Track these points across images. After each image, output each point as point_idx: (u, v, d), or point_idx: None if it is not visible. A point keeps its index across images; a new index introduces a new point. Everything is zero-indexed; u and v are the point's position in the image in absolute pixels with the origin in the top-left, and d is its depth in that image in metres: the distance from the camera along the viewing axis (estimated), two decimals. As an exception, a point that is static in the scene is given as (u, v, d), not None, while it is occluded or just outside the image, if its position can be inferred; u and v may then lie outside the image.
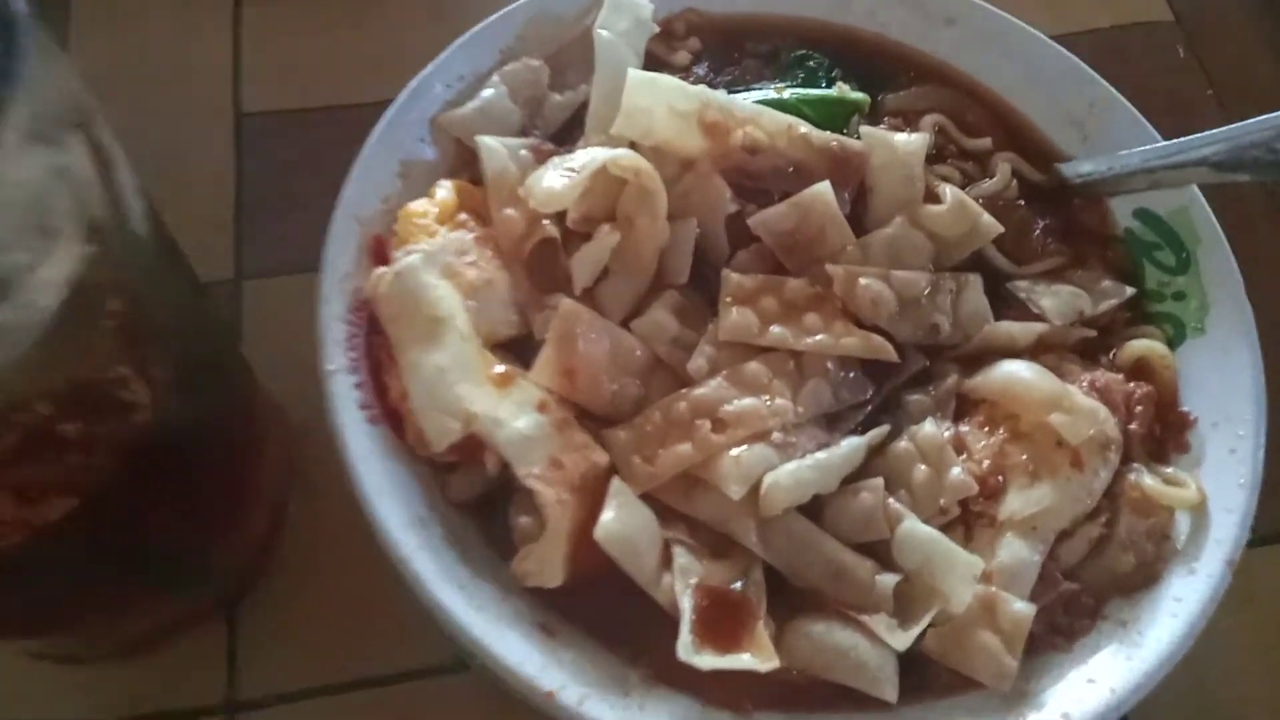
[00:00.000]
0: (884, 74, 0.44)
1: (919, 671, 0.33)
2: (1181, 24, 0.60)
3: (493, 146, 0.38)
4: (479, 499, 0.35)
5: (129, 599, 0.38)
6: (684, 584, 0.32)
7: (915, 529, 0.33)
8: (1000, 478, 0.35)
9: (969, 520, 0.34)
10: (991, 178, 0.42)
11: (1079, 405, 0.35)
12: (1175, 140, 0.39)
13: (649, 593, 0.32)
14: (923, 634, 0.32)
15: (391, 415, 0.34)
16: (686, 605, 0.31)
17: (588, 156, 0.37)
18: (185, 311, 0.33)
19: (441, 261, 0.36)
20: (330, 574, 0.43)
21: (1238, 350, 0.37)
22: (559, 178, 0.37)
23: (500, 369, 0.34)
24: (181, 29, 0.56)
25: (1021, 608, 0.32)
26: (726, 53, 0.45)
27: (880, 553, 0.34)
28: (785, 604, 0.33)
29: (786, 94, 0.42)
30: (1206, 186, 0.40)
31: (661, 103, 0.38)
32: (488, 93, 0.41)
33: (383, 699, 0.41)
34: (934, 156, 0.42)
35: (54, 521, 0.29)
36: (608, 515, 0.32)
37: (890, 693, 0.32)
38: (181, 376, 0.31)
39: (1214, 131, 0.38)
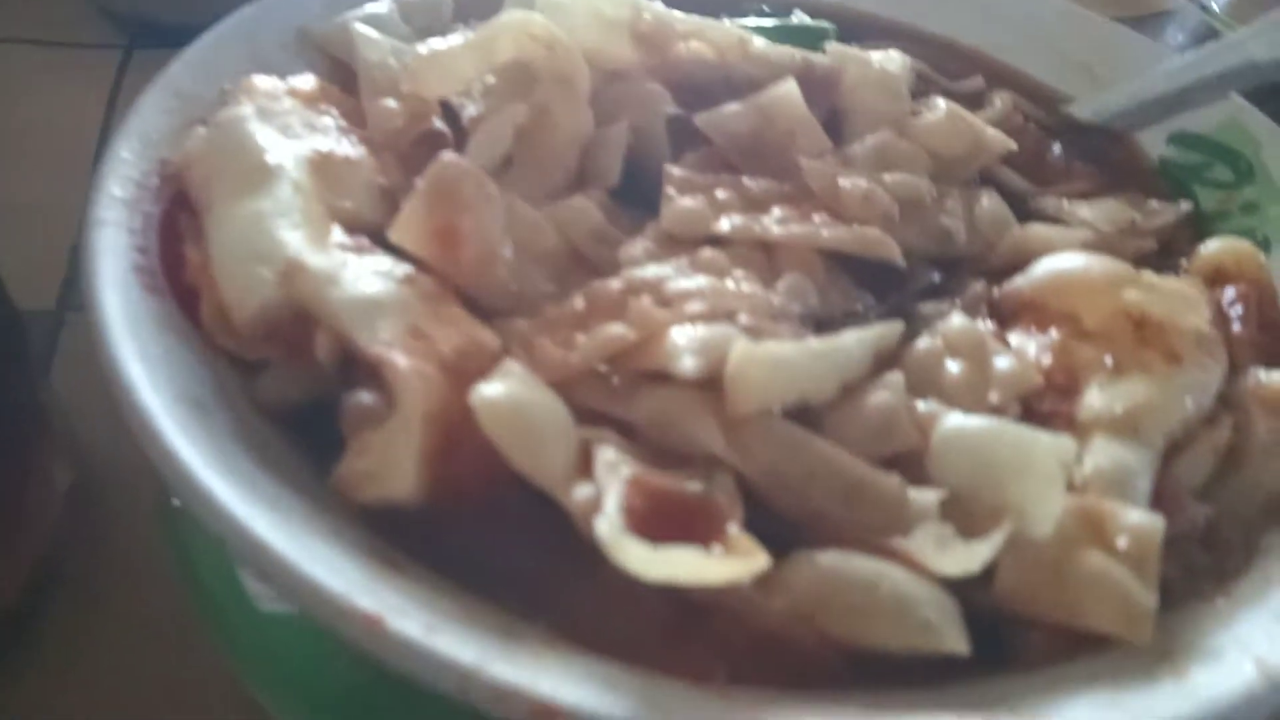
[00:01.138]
0: (852, 35, 0.38)
1: (996, 643, 0.20)
2: None
3: (373, 36, 0.31)
4: (301, 408, 0.23)
5: None
6: (612, 479, 0.20)
7: (960, 425, 0.22)
8: (1070, 375, 0.24)
9: (1036, 422, 0.23)
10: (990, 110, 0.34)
11: (1159, 282, 0.25)
12: (1202, 49, 0.33)
13: (555, 497, 0.20)
14: (990, 575, 0.20)
15: (185, 296, 0.24)
16: (613, 499, 0.19)
17: (490, 27, 0.29)
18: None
19: (282, 122, 0.26)
20: (114, 658, 0.30)
21: (1350, 234, 0.28)
22: (453, 45, 0.29)
23: (345, 239, 0.24)
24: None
25: (1144, 517, 0.21)
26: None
27: (909, 471, 0.22)
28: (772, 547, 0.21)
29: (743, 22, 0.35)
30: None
31: (587, 4, 0.31)
32: (374, 7, 0.33)
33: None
34: (918, 93, 0.34)
35: None
36: (492, 385, 0.21)
37: (956, 641, 0.19)
38: None
39: (1242, 32, 0.32)
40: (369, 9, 0.33)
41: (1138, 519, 0.20)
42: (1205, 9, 0.60)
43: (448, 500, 0.21)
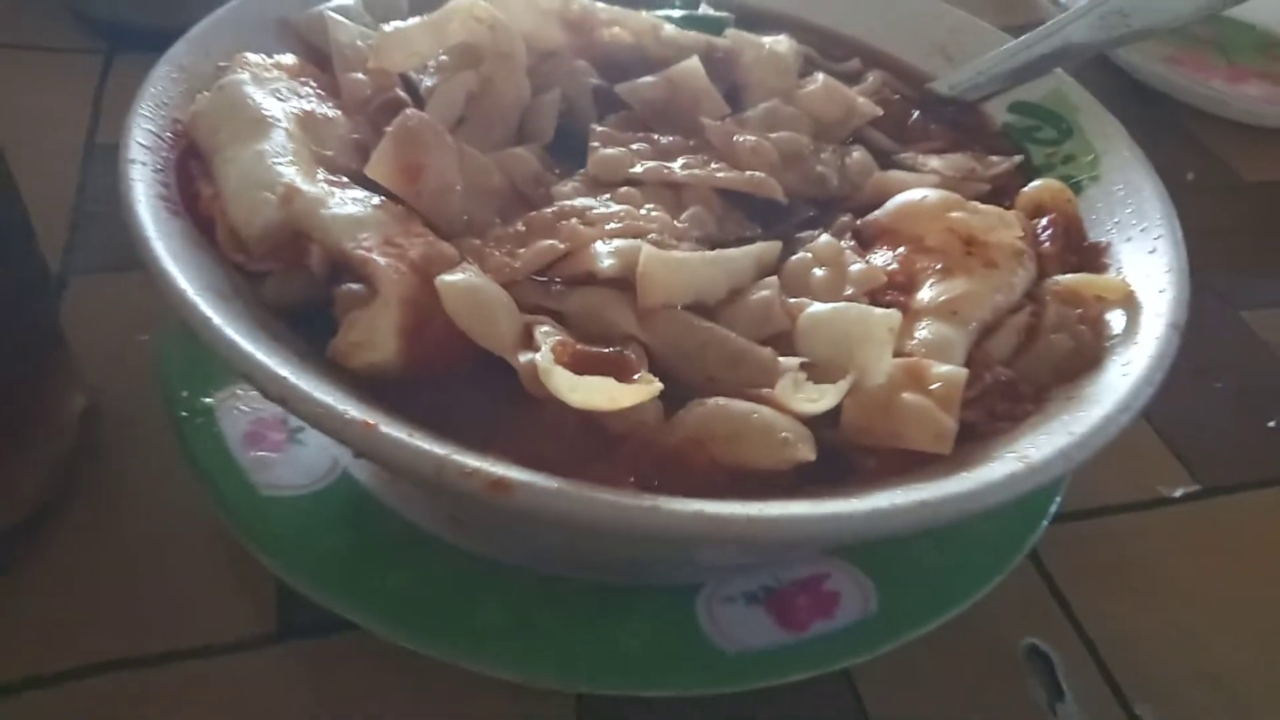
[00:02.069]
0: (746, 28, 0.45)
1: (843, 465, 0.27)
2: None
3: (343, 21, 0.36)
4: (299, 306, 0.29)
5: None
6: (546, 342, 0.26)
7: (819, 309, 0.28)
8: (910, 278, 0.31)
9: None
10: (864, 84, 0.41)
11: (983, 208, 0.32)
12: (1033, 32, 0.40)
13: (504, 357, 0.26)
14: (837, 413, 0.27)
15: (202, 223, 0.29)
16: (546, 348, 0.25)
17: (442, 10, 0.35)
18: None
19: (272, 88, 0.32)
20: (125, 548, 0.35)
21: (1135, 174, 0.35)
22: (411, 27, 0.35)
23: (330, 176, 0.30)
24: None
25: (950, 367, 0.27)
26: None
27: (780, 346, 0.29)
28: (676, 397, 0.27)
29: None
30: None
31: (522, -5, 0.38)
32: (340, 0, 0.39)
33: (185, 675, 0.32)
34: (803, 75, 0.41)
35: None
36: (454, 275, 0.27)
37: (806, 453, 0.25)
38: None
39: (1062, 16, 0.39)
40: (338, 2, 0.39)
41: (946, 370, 0.27)
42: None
43: (420, 366, 0.27)
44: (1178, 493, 0.43)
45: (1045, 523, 0.36)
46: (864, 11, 0.45)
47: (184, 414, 0.35)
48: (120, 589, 0.34)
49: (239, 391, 0.36)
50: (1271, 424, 0.47)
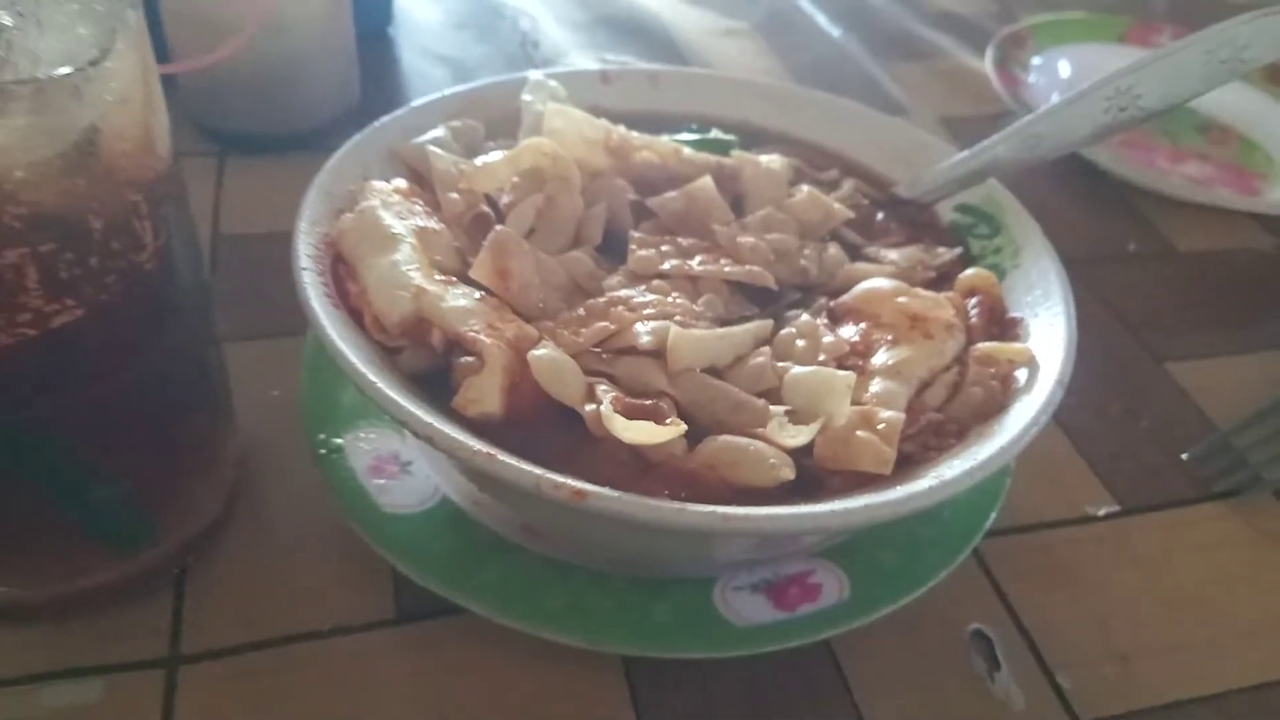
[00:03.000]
0: (751, 142, 0.56)
1: (815, 483, 0.38)
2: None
3: (442, 154, 0.48)
4: (426, 373, 0.40)
5: (73, 544, 0.41)
6: (606, 395, 0.37)
7: (799, 370, 0.39)
8: (868, 347, 0.42)
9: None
10: (840, 191, 0.52)
11: (923, 294, 0.43)
12: (970, 150, 0.51)
13: (575, 408, 0.37)
14: (811, 448, 0.38)
15: (352, 312, 0.41)
16: (607, 401, 0.36)
17: (517, 147, 0.47)
18: (183, 220, 0.40)
19: (396, 208, 0.44)
20: (277, 551, 0.46)
21: (1044, 264, 0.46)
22: (494, 160, 0.46)
23: (444, 277, 0.41)
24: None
25: (893, 413, 0.38)
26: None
27: (771, 399, 0.39)
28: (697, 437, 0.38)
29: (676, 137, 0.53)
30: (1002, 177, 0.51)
31: (574, 129, 0.49)
32: (435, 133, 0.51)
33: (327, 649, 0.43)
34: (793, 183, 0.52)
35: (56, 328, 0.34)
36: (539, 350, 0.38)
37: (788, 473, 0.36)
38: (172, 255, 0.38)
39: (994, 137, 0.50)
40: (431, 135, 0.51)
41: (889, 415, 0.38)
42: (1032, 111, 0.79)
43: (516, 414, 0.38)
44: (1101, 512, 0.53)
45: (981, 533, 0.46)
46: (842, 129, 0.56)
47: (323, 451, 0.46)
48: (272, 584, 0.45)
49: (361, 434, 0.47)
50: (1184, 456, 0.57)
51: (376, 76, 0.80)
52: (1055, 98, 0.84)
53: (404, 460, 0.47)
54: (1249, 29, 0.44)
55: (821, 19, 0.99)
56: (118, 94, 0.34)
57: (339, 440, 0.47)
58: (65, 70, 0.31)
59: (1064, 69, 0.89)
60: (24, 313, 0.33)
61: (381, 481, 0.45)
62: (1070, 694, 0.45)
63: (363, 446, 0.47)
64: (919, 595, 0.44)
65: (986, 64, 0.85)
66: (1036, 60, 0.88)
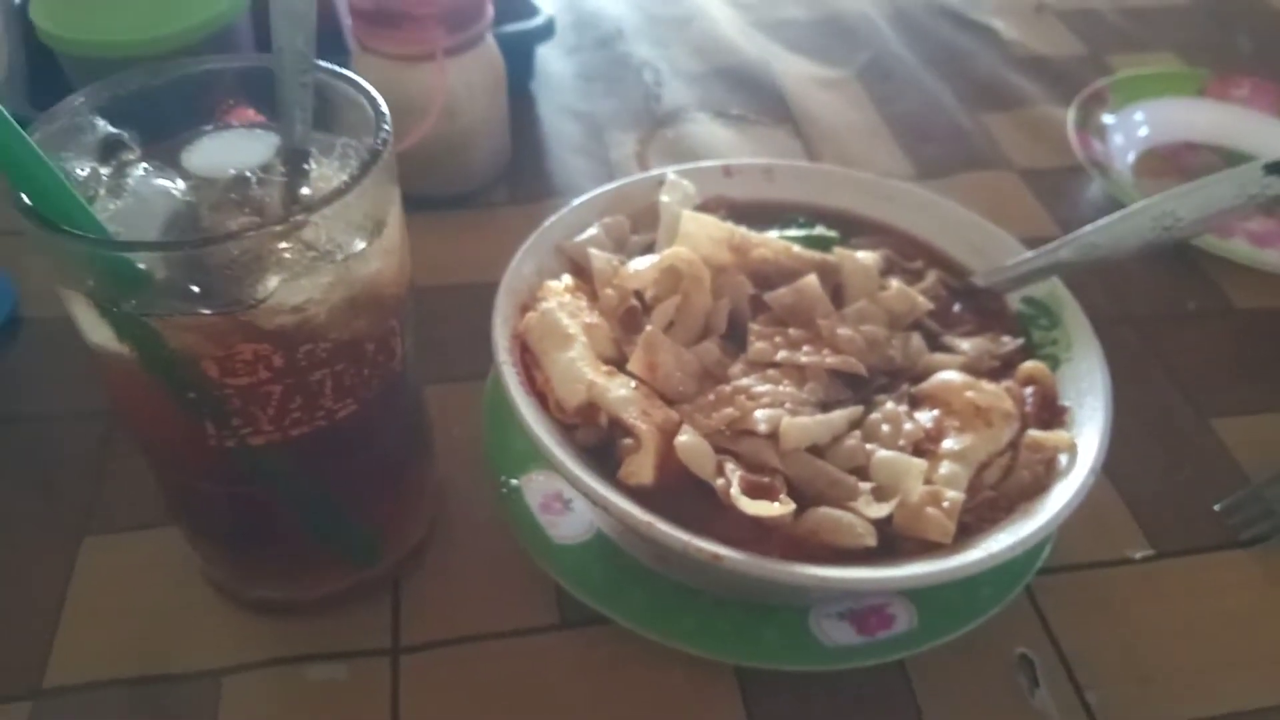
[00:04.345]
0: (851, 229, 0.67)
1: (892, 546, 0.49)
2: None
3: (599, 254, 0.60)
4: (595, 446, 0.52)
5: (327, 561, 0.55)
6: (733, 477, 0.49)
7: (884, 453, 0.51)
8: (939, 432, 0.53)
9: (920, 455, 0.51)
10: (924, 283, 0.63)
11: (986, 387, 0.54)
12: (1038, 251, 0.61)
13: (710, 483, 0.49)
14: (890, 518, 0.49)
15: (539, 395, 0.53)
16: (736, 484, 0.48)
17: (659, 255, 0.58)
18: (409, 328, 0.53)
19: (569, 309, 0.56)
20: (468, 568, 0.60)
21: (1092, 360, 0.56)
22: (642, 265, 0.58)
23: (607, 368, 0.54)
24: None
25: (955, 493, 0.49)
26: (745, 219, 0.68)
27: (860, 475, 0.51)
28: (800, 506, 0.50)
29: (786, 232, 0.64)
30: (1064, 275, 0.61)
31: (703, 231, 0.61)
32: (591, 232, 0.63)
33: (508, 646, 0.56)
34: (885, 272, 0.63)
35: (339, 419, 0.47)
36: (683, 436, 0.50)
37: (871, 540, 0.47)
38: (409, 363, 0.51)
39: (1059, 241, 0.60)
40: (589, 234, 0.63)
41: (953, 494, 0.49)
42: (1102, 172, 0.88)
43: (664, 485, 0.50)
44: (1138, 555, 0.63)
45: (1030, 577, 0.57)
46: (927, 220, 0.66)
47: (504, 490, 0.59)
48: (465, 593, 0.58)
49: (532, 476, 0.60)
50: (1216, 507, 0.66)
51: (523, 132, 0.92)
52: (1130, 158, 0.93)
53: (566, 498, 0.60)
54: (1273, 177, 0.54)
55: (918, 67, 1.08)
56: (387, 250, 0.46)
57: (515, 481, 0.60)
58: (360, 245, 0.44)
59: (1139, 123, 0.97)
60: (320, 410, 0.46)
61: (550, 517, 0.58)
62: (1096, 709, 0.55)
63: (534, 486, 0.60)
64: (976, 625, 0.55)
65: (1068, 124, 0.92)
66: (1109, 119, 0.95)
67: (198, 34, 0.83)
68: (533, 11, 0.93)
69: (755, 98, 1.02)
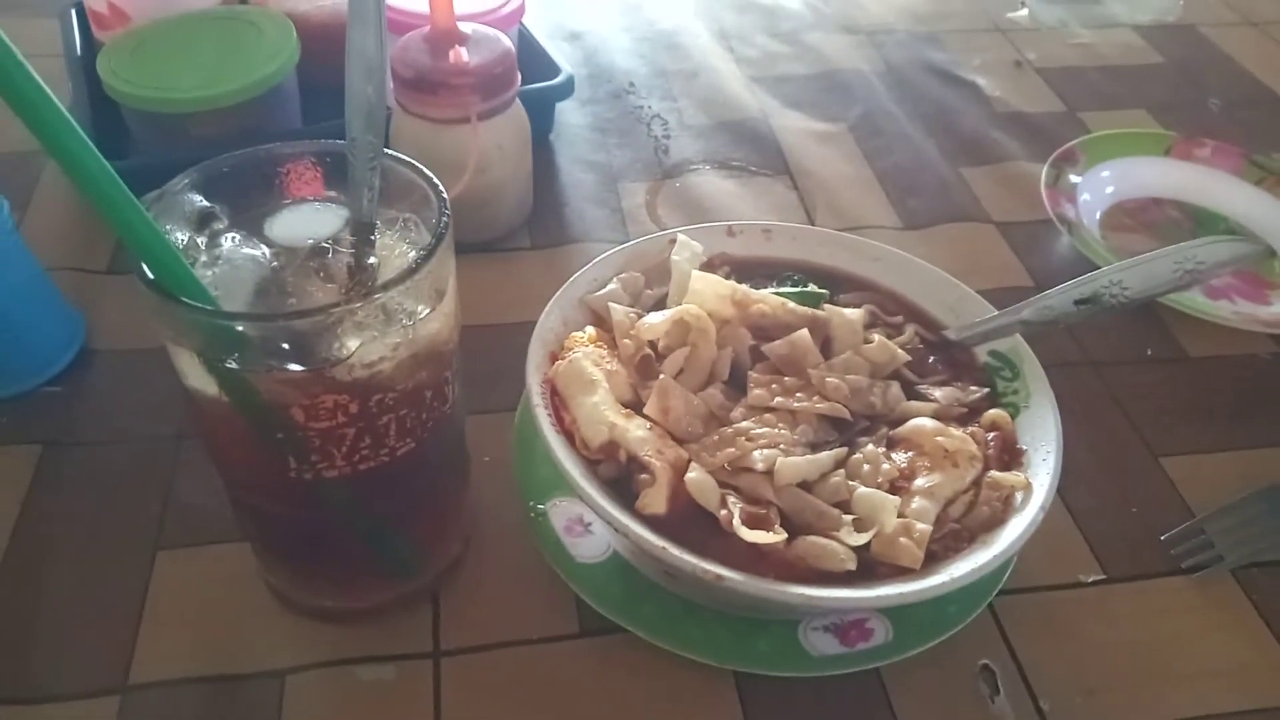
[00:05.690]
0: (839, 285, 0.75)
1: (870, 570, 0.57)
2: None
3: (618, 308, 0.68)
4: (615, 479, 0.60)
5: (377, 574, 0.63)
6: (734, 509, 0.57)
7: (864, 490, 0.59)
8: (913, 472, 0.61)
9: (895, 492, 0.60)
10: (903, 336, 0.71)
11: (954, 433, 0.62)
12: (1002, 310, 0.69)
13: (715, 514, 0.57)
14: (868, 545, 0.57)
15: (567, 434, 0.61)
16: (737, 516, 0.56)
17: (671, 310, 0.67)
18: (458, 376, 0.61)
19: (592, 357, 0.64)
20: (499, 581, 0.68)
21: (1045, 409, 0.64)
22: (655, 319, 0.66)
23: (626, 411, 0.62)
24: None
25: (924, 526, 0.57)
26: (746, 274, 0.76)
27: (844, 508, 0.59)
28: (791, 534, 0.58)
29: (781, 289, 0.73)
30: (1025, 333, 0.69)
31: (709, 288, 0.69)
32: (611, 287, 0.71)
33: (534, 651, 0.64)
34: (869, 326, 0.71)
35: (399, 456, 0.55)
36: (692, 473, 0.58)
37: (852, 565, 0.56)
38: (458, 405, 0.59)
39: (1023, 303, 0.68)
40: (609, 289, 0.71)
41: (922, 526, 0.57)
42: (1071, 228, 0.96)
43: (675, 514, 0.58)
44: (1090, 579, 0.72)
45: (992, 597, 0.65)
46: (907, 279, 0.74)
47: (532, 515, 0.67)
48: (496, 604, 0.66)
49: (557, 501, 0.68)
50: (1163, 538, 0.75)
51: (544, 181, 1.01)
52: (1098, 215, 1.01)
53: (586, 522, 0.68)
54: (1205, 250, 0.62)
55: (906, 121, 1.17)
56: (446, 314, 0.55)
57: (543, 506, 0.68)
58: (425, 311, 0.52)
59: (1106, 180, 1.05)
60: (384, 448, 0.54)
61: (572, 539, 0.67)
62: (1049, 715, 0.63)
63: (558, 511, 0.68)
64: (944, 639, 0.63)
65: (1041, 182, 1.01)
66: (1076, 179, 1.03)
67: (251, 92, 0.91)
68: (554, 70, 1.02)
69: (755, 150, 1.10)
